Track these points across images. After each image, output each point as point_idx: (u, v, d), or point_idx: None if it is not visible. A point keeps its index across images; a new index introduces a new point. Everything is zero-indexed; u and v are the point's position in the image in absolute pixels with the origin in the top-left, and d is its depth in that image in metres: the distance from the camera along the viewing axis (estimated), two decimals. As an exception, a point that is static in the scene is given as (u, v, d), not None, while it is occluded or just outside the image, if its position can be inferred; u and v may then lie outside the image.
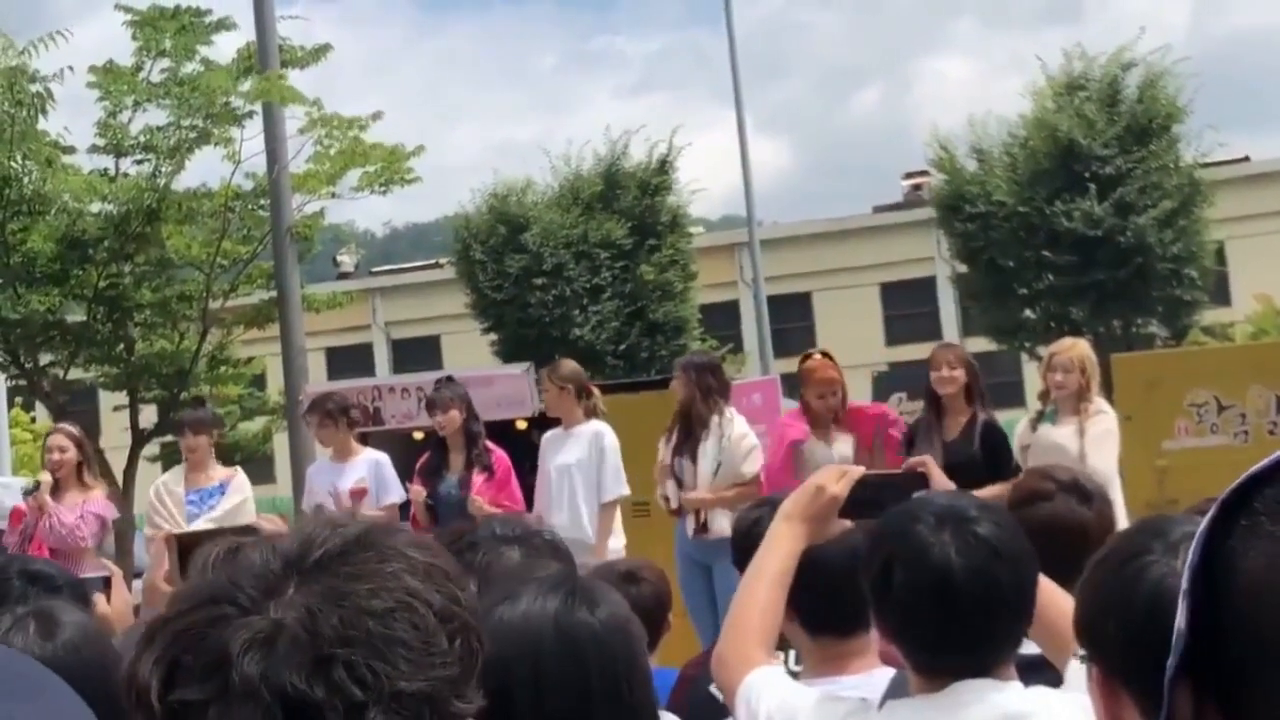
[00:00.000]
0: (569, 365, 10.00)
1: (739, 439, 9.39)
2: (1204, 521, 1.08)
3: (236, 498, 9.98)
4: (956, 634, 2.71)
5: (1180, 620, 1.07)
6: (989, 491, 8.11)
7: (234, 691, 1.22)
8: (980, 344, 33.04)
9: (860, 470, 3.28)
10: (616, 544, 9.57)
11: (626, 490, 9.71)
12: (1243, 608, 1.03)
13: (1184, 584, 1.08)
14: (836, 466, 3.38)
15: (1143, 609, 2.15)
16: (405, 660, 1.26)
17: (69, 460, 9.75)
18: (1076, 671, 3.15)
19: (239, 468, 10.60)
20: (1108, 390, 10.23)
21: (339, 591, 1.28)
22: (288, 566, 1.31)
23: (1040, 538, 3.85)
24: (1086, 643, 2.23)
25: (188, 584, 1.36)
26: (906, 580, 2.70)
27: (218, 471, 10.22)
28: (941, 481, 3.29)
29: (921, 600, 2.69)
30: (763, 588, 3.14)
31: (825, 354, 9.65)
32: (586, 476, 9.61)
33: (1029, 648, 3.03)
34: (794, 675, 3.79)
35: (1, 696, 0.89)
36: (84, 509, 9.61)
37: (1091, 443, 8.55)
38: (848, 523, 3.24)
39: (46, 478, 9.68)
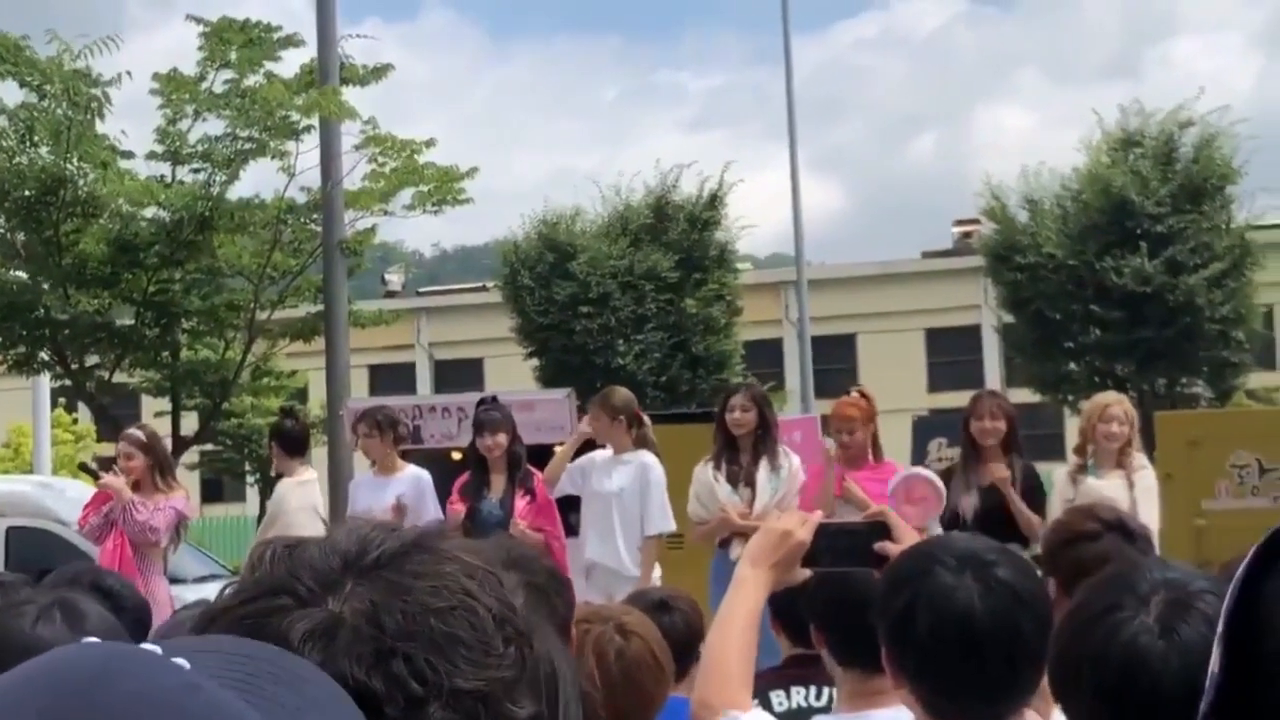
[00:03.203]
0: (622, 395, 9.90)
1: (797, 472, 9.36)
2: (1242, 566, 1.07)
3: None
4: (978, 679, 2.67)
5: (1214, 664, 1.06)
6: (1026, 515, 8.26)
7: None
8: (1022, 395, 32.90)
9: (819, 516, 3.26)
10: (654, 574, 9.52)
11: (673, 526, 9.64)
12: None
13: (1220, 628, 1.07)
14: (799, 512, 3.35)
15: (1116, 668, 2.14)
16: (464, 659, 1.27)
17: (137, 468, 9.69)
18: None
19: (286, 479, 10.58)
20: (1149, 448, 10.18)
21: (401, 586, 1.29)
22: (346, 564, 1.32)
23: (1087, 578, 3.80)
24: (1060, 696, 2.22)
25: (246, 577, 1.38)
26: (930, 624, 2.66)
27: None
28: (903, 533, 3.24)
29: (945, 644, 2.65)
30: (736, 633, 3.12)
31: (862, 392, 9.61)
32: (629, 507, 9.55)
33: None
34: (821, 711, 3.78)
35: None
36: (164, 504, 9.58)
37: (1141, 495, 8.51)
38: (808, 571, 3.22)
39: (124, 490, 9.63)
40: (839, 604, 3.32)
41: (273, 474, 10.89)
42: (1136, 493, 8.53)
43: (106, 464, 10.64)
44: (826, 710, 3.67)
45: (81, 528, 9.90)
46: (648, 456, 9.63)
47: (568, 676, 2.17)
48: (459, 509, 9.64)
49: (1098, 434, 8.90)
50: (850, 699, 3.42)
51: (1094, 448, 8.93)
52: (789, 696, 4.13)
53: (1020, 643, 2.66)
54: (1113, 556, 3.99)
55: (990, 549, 2.79)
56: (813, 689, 4.03)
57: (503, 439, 9.64)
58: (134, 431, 10.11)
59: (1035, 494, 8.80)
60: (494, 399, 10.29)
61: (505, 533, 8.70)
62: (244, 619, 1.29)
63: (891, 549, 3.15)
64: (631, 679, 3.57)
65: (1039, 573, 3.04)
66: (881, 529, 3.24)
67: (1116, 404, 9.09)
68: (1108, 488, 8.54)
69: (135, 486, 9.63)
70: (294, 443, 10.73)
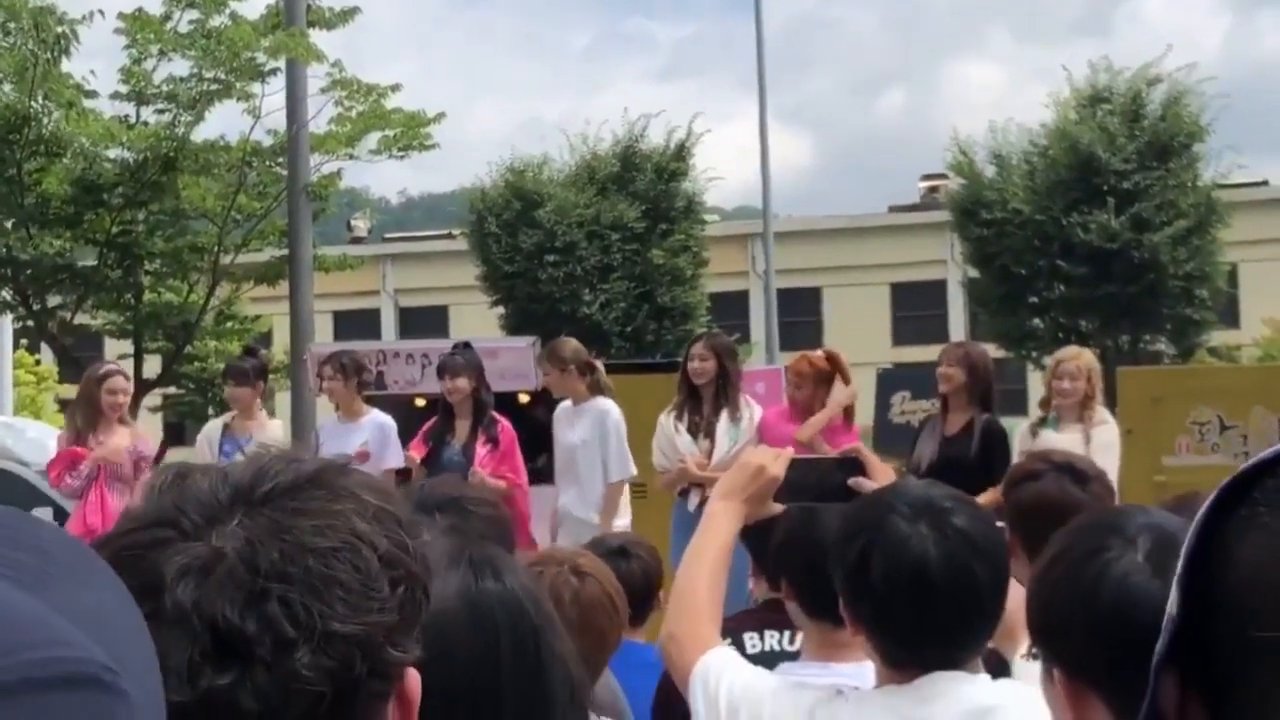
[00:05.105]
0: (569, 345, 9.91)
1: (757, 424, 9.39)
2: (1203, 508, 1.06)
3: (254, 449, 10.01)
4: (932, 627, 2.68)
5: (1172, 606, 1.06)
6: (985, 498, 8.09)
7: (165, 617, 1.19)
8: (987, 350, 32.99)
9: (790, 452, 3.26)
10: (620, 523, 9.53)
11: (633, 471, 9.68)
12: (1236, 600, 1.01)
13: (1178, 571, 1.06)
14: (770, 448, 3.34)
15: (1110, 608, 2.09)
16: (342, 601, 1.23)
17: (126, 402, 9.78)
18: (1024, 668, 3.12)
19: (275, 420, 10.56)
20: (1111, 403, 10.21)
21: (282, 525, 1.26)
22: (236, 496, 1.29)
23: (1030, 518, 3.81)
24: (1045, 645, 2.17)
25: (135, 506, 1.34)
26: (884, 572, 2.66)
27: (257, 421, 10.22)
28: (876, 466, 3.24)
29: (898, 592, 2.65)
30: (706, 567, 3.11)
31: (828, 354, 9.65)
32: (592, 456, 9.62)
33: None
34: (792, 656, 3.79)
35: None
36: (136, 450, 9.59)
37: (1097, 450, 8.49)
38: (780, 506, 3.22)
39: (119, 450, 9.54)
40: (807, 559, 3.31)
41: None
42: (1093, 447, 8.53)
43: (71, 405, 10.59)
44: (798, 655, 3.68)
45: (56, 485, 9.79)
46: (605, 403, 9.67)
47: (531, 613, 2.15)
48: (414, 455, 9.65)
49: (1053, 389, 8.97)
50: (817, 650, 3.42)
51: (1055, 402, 8.99)
52: (762, 639, 4.14)
53: (974, 590, 2.66)
54: (1052, 494, 4.01)
55: (947, 496, 2.78)
56: (786, 633, 4.04)
57: (463, 383, 9.62)
58: (120, 367, 10.26)
59: (996, 449, 8.79)
60: (466, 345, 10.26)
61: (453, 476, 8.63)
62: (125, 550, 1.26)
63: (865, 484, 3.16)
64: (588, 621, 3.57)
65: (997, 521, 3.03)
66: (855, 464, 3.25)
67: (1072, 359, 9.13)
68: (1065, 441, 8.53)
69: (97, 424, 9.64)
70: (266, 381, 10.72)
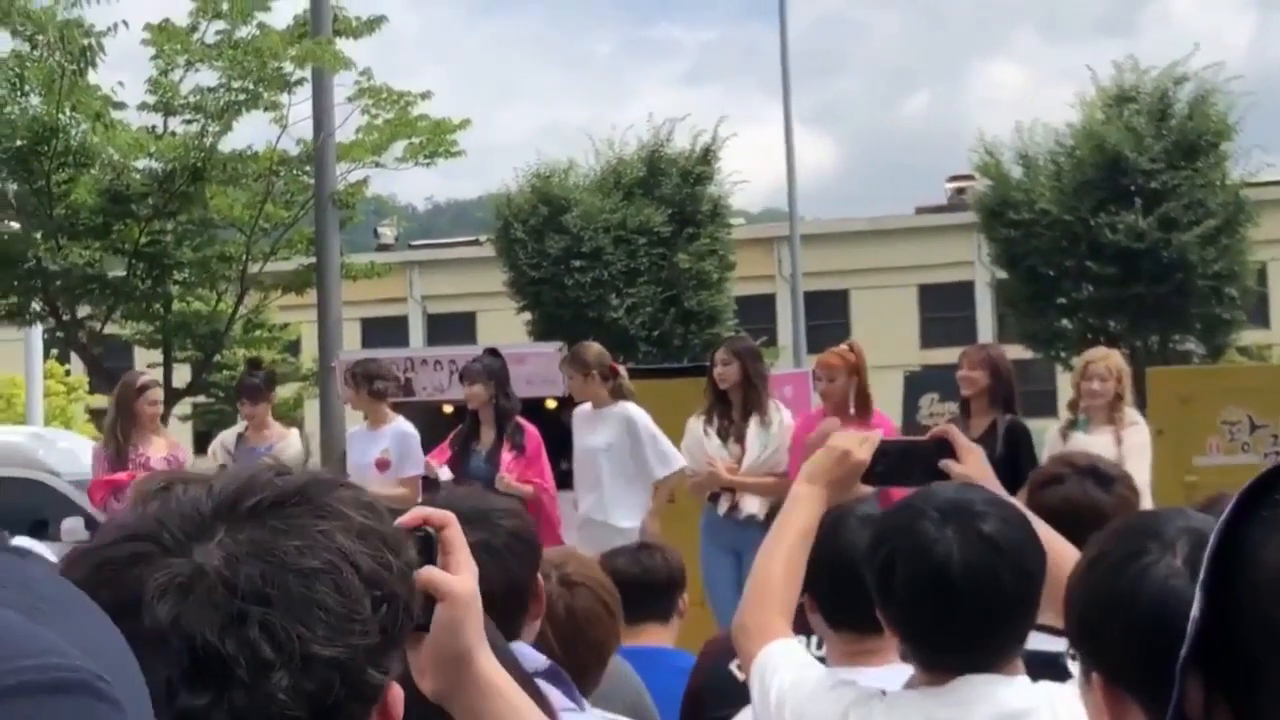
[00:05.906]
0: (592, 350, 9.85)
1: (787, 426, 9.32)
2: (1226, 511, 1.07)
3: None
4: (957, 631, 2.68)
5: (1195, 609, 1.06)
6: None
7: (143, 634, 1.16)
8: (1015, 351, 32.78)
9: (879, 435, 3.22)
10: (632, 524, 9.42)
11: (681, 463, 9.46)
12: (1261, 600, 1.02)
13: (1202, 573, 1.07)
14: (857, 432, 3.31)
15: (1149, 612, 2.07)
16: (323, 624, 1.22)
17: (160, 410, 9.91)
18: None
19: (294, 430, 10.58)
20: (1140, 404, 10.17)
21: (264, 545, 1.24)
22: (219, 510, 1.27)
23: (1055, 521, 3.81)
24: (1085, 649, 2.16)
25: (117, 517, 1.33)
26: (908, 577, 2.67)
27: (274, 431, 10.24)
28: (965, 447, 3.20)
29: (922, 597, 2.66)
30: (784, 553, 3.09)
31: (851, 345, 9.60)
32: (616, 461, 9.53)
33: (1046, 645, 2.99)
34: (821, 661, 3.78)
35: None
36: (175, 458, 9.65)
37: (1129, 452, 8.45)
38: (869, 489, 3.20)
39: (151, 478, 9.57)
40: (829, 572, 3.30)
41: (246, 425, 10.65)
42: (1124, 449, 8.50)
43: (102, 415, 10.64)
44: (823, 661, 3.67)
45: (100, 508, 9.81)
46: (630, 407, 9.60)
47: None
48: (434, 462, 9.65)
49: (1082, 391, 8.93)
50: (839, 660, 3.39)
51: (1084, 404, 8.95)
52: None
53: (999, 595, 2.65)
54: (1076, 497, 4.00)
55: (981, 500, 2.78)
56: (814, 639, 4.04)
57: (480, 390, 9.61)
58: (154, 377, 10.38)
59: (1022, 448, 8.75)
60: (494, 351, 10.26)
61: (476, 486, 8.62)
62: (105, 564, 1.25)
63: (955, 467, 3.13)
64: (583, 632, 3.54)
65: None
66: (944, 446, 3.20)
67: (1099, 360, 9.07)
68: (1096, 444, 8.48)
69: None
70: None
